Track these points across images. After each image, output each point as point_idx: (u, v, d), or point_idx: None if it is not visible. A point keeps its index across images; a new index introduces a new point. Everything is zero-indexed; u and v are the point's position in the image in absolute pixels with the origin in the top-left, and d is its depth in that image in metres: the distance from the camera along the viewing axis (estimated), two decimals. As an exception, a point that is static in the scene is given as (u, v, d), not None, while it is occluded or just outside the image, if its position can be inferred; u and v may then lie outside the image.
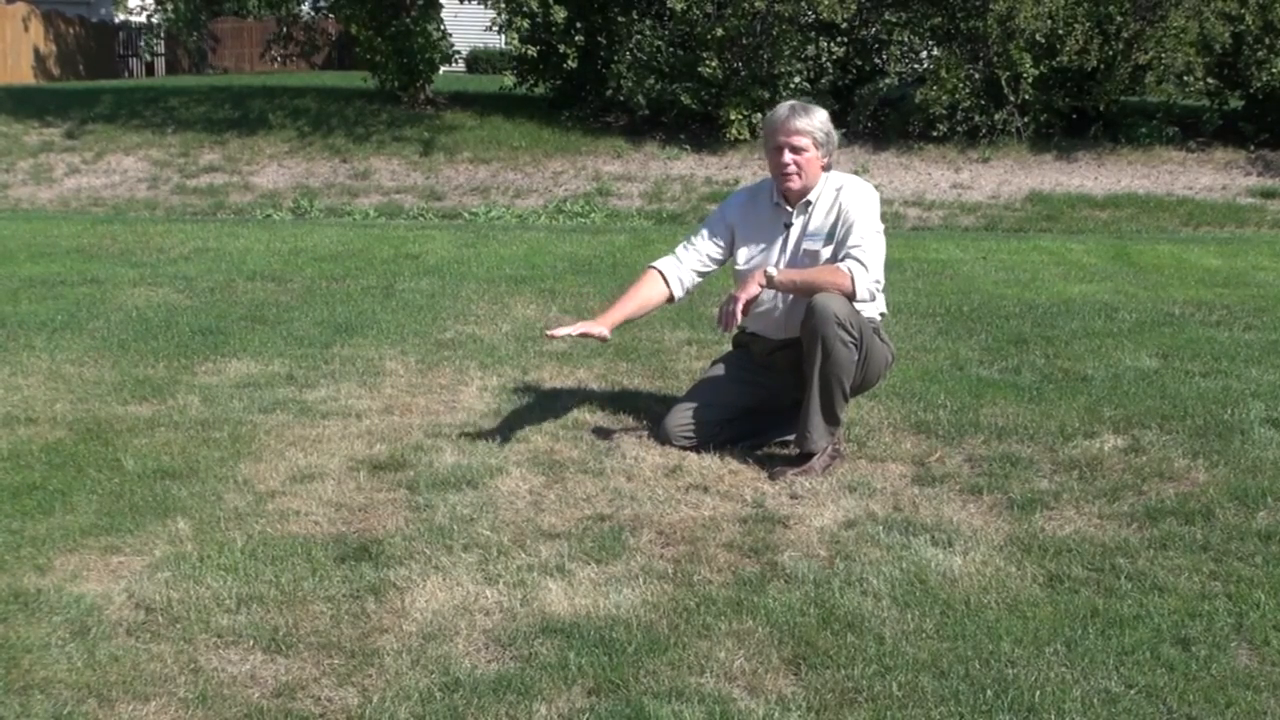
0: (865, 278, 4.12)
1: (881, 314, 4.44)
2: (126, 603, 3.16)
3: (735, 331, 4.40)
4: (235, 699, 2.72)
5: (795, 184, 4.28)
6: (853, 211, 4.20)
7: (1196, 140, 16.85)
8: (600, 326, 4.20)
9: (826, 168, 4.34)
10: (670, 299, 4.47)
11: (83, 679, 2.78)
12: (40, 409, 4.86)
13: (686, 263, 4.46)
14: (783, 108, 4.34)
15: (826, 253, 4.25)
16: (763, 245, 4.40)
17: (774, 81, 16.95)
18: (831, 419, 4.20)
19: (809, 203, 4.32)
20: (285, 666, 2.86)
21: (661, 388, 5.24)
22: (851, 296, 4.12)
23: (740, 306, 4.15)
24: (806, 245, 4.30)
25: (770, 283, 4.17)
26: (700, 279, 4.53)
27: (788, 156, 4.25)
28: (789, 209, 4.36)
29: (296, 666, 2.86)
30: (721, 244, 4.48)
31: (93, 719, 2.64)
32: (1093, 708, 2.69)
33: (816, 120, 4.25)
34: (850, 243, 4.17)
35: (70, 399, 5.02)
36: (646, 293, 4.42)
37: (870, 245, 4.17)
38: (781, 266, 4.30)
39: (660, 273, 4.44)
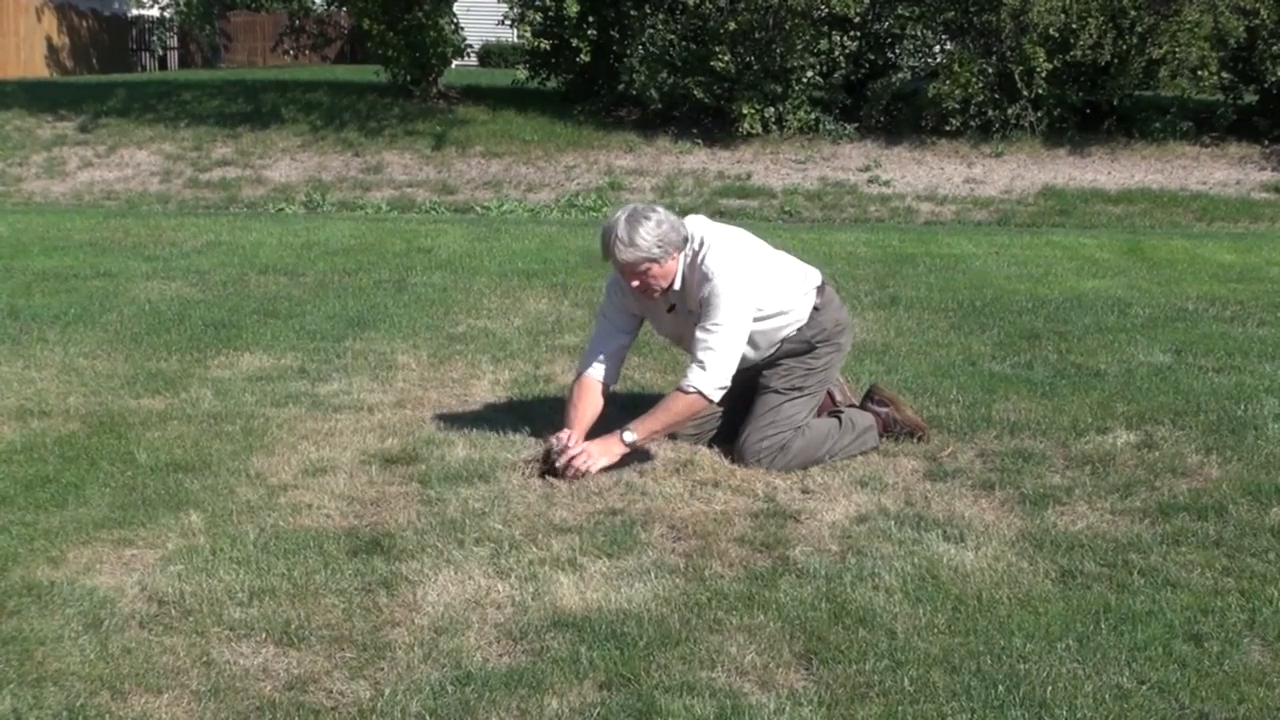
0: (709, 382, 4.09)
1: (816, 308, 4.38)
2: (139, 595, 3.18)
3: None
4: (247, 691, 2.73)
5: (658, 294, 4.24)
6: (709, 304, 4.13)
7: (1210, 135, 16.76)
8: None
9: (686, 240, 4.19)
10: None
11: (95, 671, 2.79)
12: (53, 402, 4.88)
13: (611, 361, 4.38)
14: (608, 237, 4.12)
15: None
16: (657, 317, 4.43)
17: (786, 76, 16.92)
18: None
19: (676, 290, 4.23)
20: (297, 659, 2.87)
21: (673, 381, 5.22)
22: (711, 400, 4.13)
23: (594, 465, 4.04)
24: (691, 318, 4.26)
25: (632, 446, 4.12)
26: (624, 358, 4.51)
27: (636, 283, 4.19)
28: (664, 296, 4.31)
29: (308, 659, 2.87)
30: (632, 324, 4.45)
31: (105, 711, 2.65)
32: (1104, 703, 2.68)
33: (643, 241, 4.06)
34: (698, 336, 4.13)
35: (83, 392, 5.04)
36: (594, 402, 4.33)
37: (718, 339, 4.11)
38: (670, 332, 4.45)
39: (596, 380, 4.35)
